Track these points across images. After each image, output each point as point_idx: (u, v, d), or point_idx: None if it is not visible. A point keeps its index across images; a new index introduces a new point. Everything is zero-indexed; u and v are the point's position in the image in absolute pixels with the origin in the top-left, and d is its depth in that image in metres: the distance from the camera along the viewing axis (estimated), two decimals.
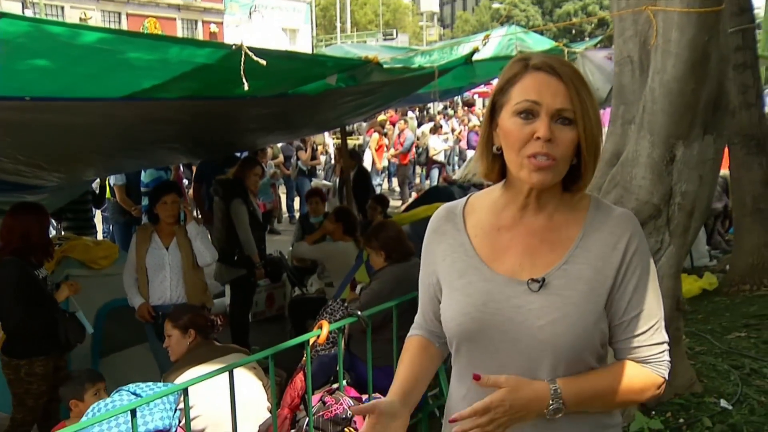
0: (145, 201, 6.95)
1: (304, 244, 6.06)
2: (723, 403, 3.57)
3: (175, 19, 34.90)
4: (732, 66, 5.73)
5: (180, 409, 2.97)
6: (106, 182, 7.32)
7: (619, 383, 1.46)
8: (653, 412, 3.48)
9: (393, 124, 15.03)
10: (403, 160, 13.50)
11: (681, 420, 3.44)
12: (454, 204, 1.64)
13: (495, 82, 1.82)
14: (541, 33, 7.98)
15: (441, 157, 14.16)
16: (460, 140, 16.07)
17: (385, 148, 14.00)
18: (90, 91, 3.05)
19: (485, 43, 5.07)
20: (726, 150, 6.51)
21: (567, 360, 1.42)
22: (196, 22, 35.88)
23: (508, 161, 1.44)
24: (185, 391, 2.54)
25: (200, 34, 35.65)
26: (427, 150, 13.97)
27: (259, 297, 6.40)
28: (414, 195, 11.32)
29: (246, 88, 2.82)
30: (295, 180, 11.70)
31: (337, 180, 9.17)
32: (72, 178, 5.20)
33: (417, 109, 18.95)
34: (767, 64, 8.02)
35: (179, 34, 34.68)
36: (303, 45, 38.75)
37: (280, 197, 11.44)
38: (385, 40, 37.77)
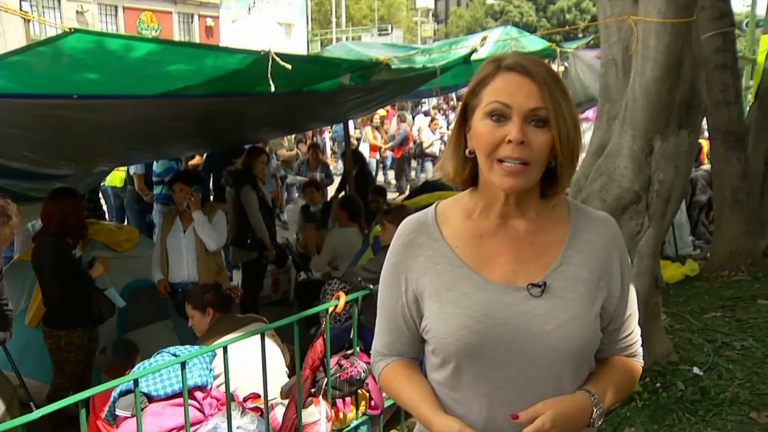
0: (156, 189, 7.32)
1: (318, 258, 6.10)
2: (695, 370, 3.96)
3: (171, 12, 34.80)
4: (713, 66, 6.12)
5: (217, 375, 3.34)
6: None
7: (628, 377, 1.51)
8: None
9: (389, 119, 15.37)
10: (398, 154, 13.83)
11: (658, 384, 3.82)
12: (423, 215, 1.54)
13: None
14: (535, 30, 8.30)
15: (435, 149, 14.47)
16: None
17: (380, 141, 14.33)
18: (128, 92, 3.40)
19: (482, 44, 5.41)
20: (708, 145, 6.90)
21: (576, 362, 1.40)
22: (192, 15, 35.85)
23: (480, 165, 1.38)
24: (225, 350, 2.91)
25: (196, 29, 35.67)
26: (421, 144, 14.31)
27: (266, 281, 6.52)
28: (408, 189, 11.60)
29: (273, 89, 3.18)
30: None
31: (315, 175, 9.20)
32: (96, 168, 5.54)
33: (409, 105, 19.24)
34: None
35: (175, 28, 34.70)
36: (298, 39, 38.85)
37: (281, 186, 11.73)
38: (380, 35, 37.89)
